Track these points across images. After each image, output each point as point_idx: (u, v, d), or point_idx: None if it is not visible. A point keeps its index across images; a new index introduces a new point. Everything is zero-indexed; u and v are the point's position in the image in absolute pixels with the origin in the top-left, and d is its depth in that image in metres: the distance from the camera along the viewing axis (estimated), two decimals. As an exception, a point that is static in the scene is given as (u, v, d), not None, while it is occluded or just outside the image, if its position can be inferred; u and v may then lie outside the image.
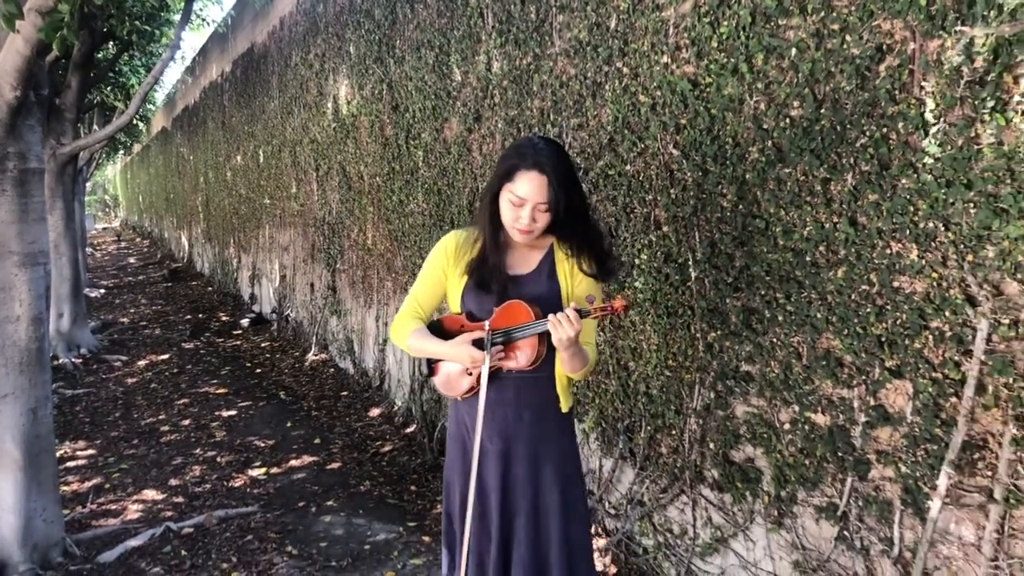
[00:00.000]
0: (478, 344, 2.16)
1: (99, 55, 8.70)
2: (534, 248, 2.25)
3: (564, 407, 2.29)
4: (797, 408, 2.48)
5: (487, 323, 2.15)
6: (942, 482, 2.04)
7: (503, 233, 2.19)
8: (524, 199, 2.06)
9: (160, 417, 6.27)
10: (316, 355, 7.87)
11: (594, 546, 3.45)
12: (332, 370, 7.43)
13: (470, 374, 2.22)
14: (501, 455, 2.26)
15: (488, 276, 2.19)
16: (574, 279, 2.22)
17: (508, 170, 2.09)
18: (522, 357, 2.16)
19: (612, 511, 3.51)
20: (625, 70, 3.07)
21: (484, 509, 2.31)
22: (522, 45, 3.75)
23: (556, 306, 2.14)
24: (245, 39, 10.09)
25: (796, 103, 2.35)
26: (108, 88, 10.95)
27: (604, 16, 3.16)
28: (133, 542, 3.92)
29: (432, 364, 2.35)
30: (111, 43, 9.04)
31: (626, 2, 3.02)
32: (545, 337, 2.12)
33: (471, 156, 4.37)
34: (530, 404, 2.25)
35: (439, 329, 2.30)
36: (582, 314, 2.02)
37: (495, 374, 2.20)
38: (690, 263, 2.84)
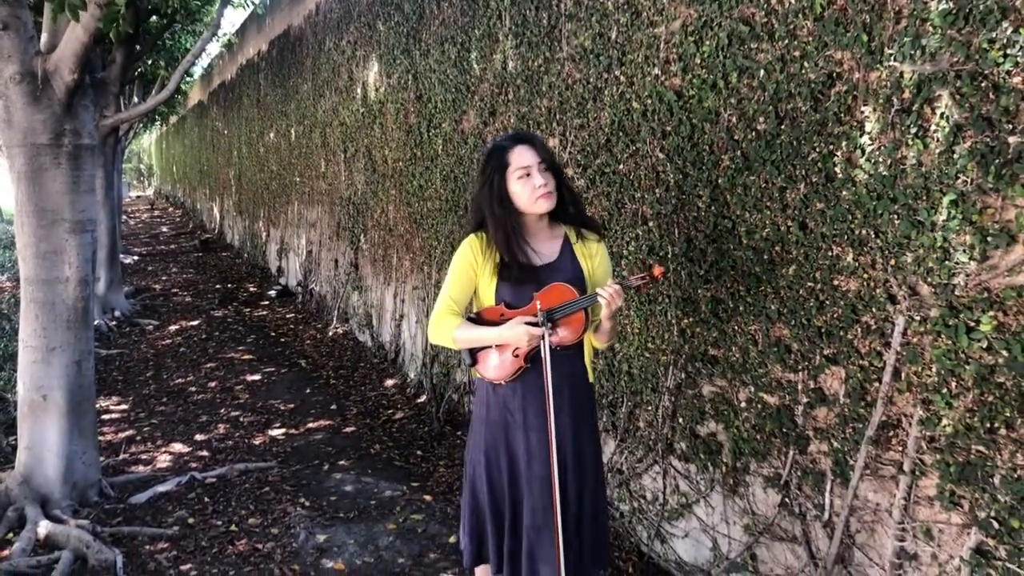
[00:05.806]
0: (531, 325, 2.35)
1: (147, 25, 9.01)
2: (552, 238, 2.54)
3: (591, 378, 2.62)
4: (752, 389, 2.80)
5: (538, 303, 2.35)
6: (862, 456, 2.35)
7: (522, 226, 2.46)
8: (528, 165, 2.38)
9: (188, 378, 6.69)
10: (337, 328, 8.25)
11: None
12: (351, 342, 7.81)
13: (516, 356, 2.45)
14: (545, 428, 2.47)
15: (521, 269, 2.44)
16: (593, 260, 2.55)
17: (501, 161, 2.41)
18: (570, 331, 2.43)
19: (595, 479, 3.84)
20: (622, 78, 3.37)
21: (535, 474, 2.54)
22: (534, 48, 4.05)
23: (583, 283, 2.47)
24: (283, 20, 10.43)
25: (762, 118, 2.64)
26: (154, 58, 11.21)
27: (606, 28, 3.45)
28: (162, 487, 4.33)
29: (474, 354, 2.54)
30: (154, 17, 9.39)
31: (625, 16, 3.32)
32: (587, 312, 2.43)
33: (485, 148, 4.68)
34: (567, 378, 2.51)
35: (479, 321, 2.51)
36: (627, 286, 2.38)
37: (535, 356, 2.44)
38: (669, 256, 3.15)
